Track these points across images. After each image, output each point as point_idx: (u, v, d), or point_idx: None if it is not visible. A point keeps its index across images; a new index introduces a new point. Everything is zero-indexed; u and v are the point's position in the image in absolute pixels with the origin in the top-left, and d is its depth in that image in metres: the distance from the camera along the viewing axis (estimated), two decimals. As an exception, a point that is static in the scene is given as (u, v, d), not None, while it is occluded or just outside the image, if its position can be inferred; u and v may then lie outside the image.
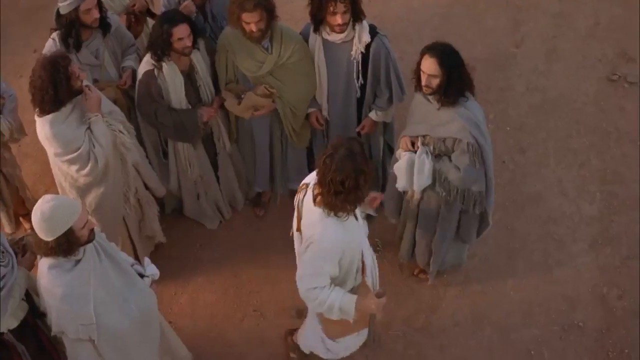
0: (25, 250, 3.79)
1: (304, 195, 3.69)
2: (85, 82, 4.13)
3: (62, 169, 4.29)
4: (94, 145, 4.16)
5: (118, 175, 4.43)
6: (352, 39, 4.49)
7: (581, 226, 5.44)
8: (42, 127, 4.08)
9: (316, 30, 4.52)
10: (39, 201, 3.33)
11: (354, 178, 3.34)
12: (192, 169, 4.94)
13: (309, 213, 3.59)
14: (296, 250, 3.96)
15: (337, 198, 3.38)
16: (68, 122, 4.08)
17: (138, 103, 4.61)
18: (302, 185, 3.76)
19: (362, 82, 4.65)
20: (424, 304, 5.06)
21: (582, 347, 4.87)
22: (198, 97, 4.70)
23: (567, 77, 6.38)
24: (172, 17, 4.38)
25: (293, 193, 5.48)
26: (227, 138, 4.93)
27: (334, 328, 3.98)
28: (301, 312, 5.02)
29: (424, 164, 4.23)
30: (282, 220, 5.55)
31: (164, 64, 4.44)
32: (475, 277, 5.18)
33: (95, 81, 4.68)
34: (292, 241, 5.32)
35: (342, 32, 4.43)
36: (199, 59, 4.60)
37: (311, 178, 3.70)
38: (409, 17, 6.99)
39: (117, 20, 4.82)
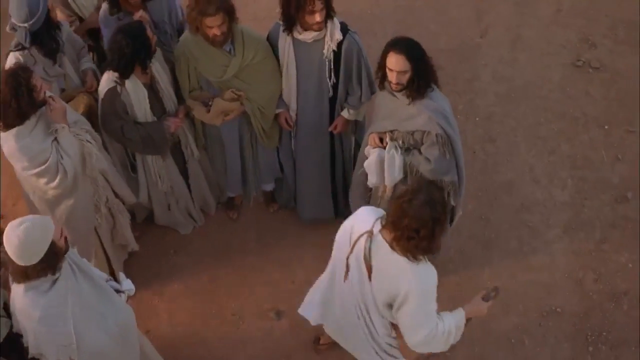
0: (1, 265, 3.66)
1: (370, 244, 3.48)
2: (48, 93, 4.04)
3: (31, 183, 4.19)
4: (61, 157, 4.06)
5: (87, 185, 4.35)
6: (324, 37, 4.44)
7: (554, 212, 5.48)
8: (7, 141, 3.98)
9: (289, 30, 4.44)
10: (7, 230, 3.18)
11: (431, 228, 3.23)
12: (163, 181, 4.86)
13: (388, 264, 3.42)
14: (359, 301, 3.70)
15: (410, 243, 3.28)
16: (33, 134, 3.99)
17: (103, 121, 4.50)
18: (364, 233, 3.51)
19: (335, 80, 4.61)
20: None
21: (561, 332, 4.90)
22: (162, 108, 4.62)
23: (532, 64, 6.41)
24: (135, 31, 4.29)
25: (266, 194, 5.51)
26: (194, 146, 4.85)
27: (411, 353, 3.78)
28: (280, 314, 5.00)
29: (394, 159, 4.20)
30: (255, 223, 5.55)
31: (127, 80, 4.36)
32: (452, 269, 5.18)
33: (62, 90, 4.59)
34: (267, 242, 5.37)
35: (319, 29, 4.38)
36: (158, 69, 4.51)
37: (368, 223, 3.51)
38: (372, 11, 6.96)
39: (66, 25, 4.74)
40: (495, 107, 6.08)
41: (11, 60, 4.37)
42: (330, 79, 4.60)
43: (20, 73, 3.83)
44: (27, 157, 4.01)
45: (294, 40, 4.49)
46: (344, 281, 3.68)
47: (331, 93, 4.69)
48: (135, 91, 4.40)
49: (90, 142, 4.19)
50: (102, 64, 5.07)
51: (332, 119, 4.82)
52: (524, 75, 6.33)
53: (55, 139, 4.06)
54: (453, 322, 3.55)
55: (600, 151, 5.81)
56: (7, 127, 3.93)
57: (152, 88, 4.52)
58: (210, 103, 4.59)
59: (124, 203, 4.82)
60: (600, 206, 5.51)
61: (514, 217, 5.46)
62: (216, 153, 5.05)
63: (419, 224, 3.21)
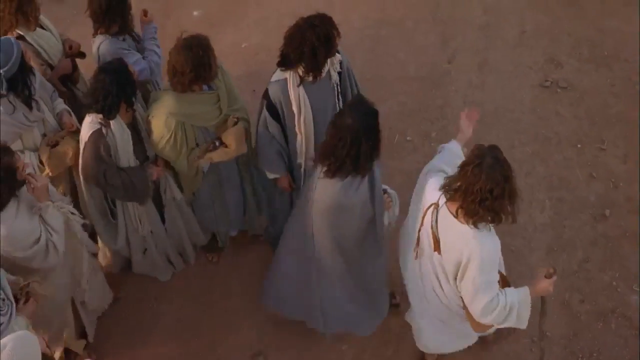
0: (29, 297, 3.63)
1: (436, 216, 3.65)
2: (27, 170, 3.85)
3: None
4: (50, 234, 3.90)
5: (69, 256, 4.24)
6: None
7: (535, 235, 5.48)
8: None
9: (302, 79, 4.32)
10: None
11: (503, 186, 3.39)
12: (143, 226, 4.75)
13: (453, 233, 3.58)
14: (431, 271, 3.89)
15: (482, 206, 3.40)
16: (20, 216, 3.79)
17: (84, 166, 4.35)
18: (430, 205, 3.71)
19: (342, 101, 4.55)
20: (392, 334, 4.99)
21: (552, 355, 4.88)
22: (143, 150, 4.51)
23: (501, 87, 6.46)
24: (118, 67, 4.19)
25: (255, 237, 5.41)
26: (176, 189, 4.74)
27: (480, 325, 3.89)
28: (267, 357, 4.89)
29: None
30: (237, 266, 5.43)
31: (111, 121, 4.24)
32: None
33: (44, 135, 4.48)
34: (250, 284, 5.26)
35: None
36: (139, 109, 4.45)
37: (434, 197, 3.69)
38: (340, 42, 6.92)
39: (35, 69, 4.60)
40: (469, 134, 6.09)
41: None
42: (339, 102, 4.53)
43: (2, 155, 3.62)
44: (18, 240, 3.80)
45: (305, 86, 4.35)
46: (414, 257, 3.92)
47: None
48: (120, 132, 4.29)
49: (74, 214, 4.07)
50: (79, 106, 4.99)
51: None
52: (494, 99, 6.36)
53: (40, 216, 3.90)
54: (516, 298, 3.65)
55: (575, 170, 5.85)
56: None
57: (134, 128, 4.42)
58: (217, 144, 4.48)
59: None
60: (580, 226, 5.54)
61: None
62: (217, 192, 4.88)
63: (492, 184, 3.36)
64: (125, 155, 4.37)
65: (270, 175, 4.70)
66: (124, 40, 4.80)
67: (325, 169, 3.75)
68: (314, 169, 3.97)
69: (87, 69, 5.21)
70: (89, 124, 4.25)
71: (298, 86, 4.35)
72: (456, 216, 3.54)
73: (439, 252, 3.72)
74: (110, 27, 4.73)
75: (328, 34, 4.19)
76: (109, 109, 4.15)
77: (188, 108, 4.35)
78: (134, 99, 4.29)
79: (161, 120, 4.33)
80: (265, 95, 4.44)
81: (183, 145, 4.43)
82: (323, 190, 3.83)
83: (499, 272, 3.77)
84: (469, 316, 3.80)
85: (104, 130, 4.24)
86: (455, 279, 3.71)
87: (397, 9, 7.25)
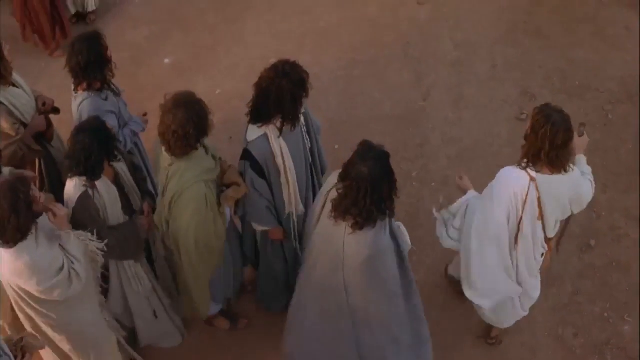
0: (25, 352, 3.51)
1: (538, 187, 4.06)
2: (43, 197, 3.75)
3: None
4: (72, 262, 3.76)
5: (92, 285, 4.11)
6: None
7: (524, 270, 5.44)
8: (17, 259, 3.61)
9: (281, 131, 4.25)
10: None
11: (572, 131, 4.00)
12: (143, 283, 4.53)
13: (555, 188, 4.08)
14: (528, 242, 4.27)
15: (563, 152, 3.98)
16: (40, 244, 3.65)
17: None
18: (528, 185, 4.07)
19: (309, 142, 4.53)
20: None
21: (551, 393, 4.84)
22: (129, 205, 4.36)
23: (478, 122, 6.48)
24: (95, 125, 4.05)
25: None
26: (160, 241, 4.54)
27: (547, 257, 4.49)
28: None
29: None
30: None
31: (97, 181, 4.09)
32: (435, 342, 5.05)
33: None
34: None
35: None
36: (120, 163, 4.31)
37: (522, 178, 4.09)
38: (313, 84, 6.84)
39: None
40: (449, 170, 6.06)
41: None
42: (308, 142, 4.50)
43: (19, 186, 3.51)
44: (42, 269, 3.67)
45: (283, 136, 4.27)
46: (515, 246, 4.29)
47: (310, 159, 4.59)
48: (107, 191, 4.12)
49: (92, 240, 3.92)
50: (54, 164, 4.96)
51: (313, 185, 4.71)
52: (472, 134, 6.37)
53: (60, 245, 3.77)
54: (586, 167, 4.41)
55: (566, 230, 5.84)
56: (9, 243, 3.57)
57: (118, 185, 4.27)
58: (223, 188, 4.33)
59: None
60: (567, 258, 5.51)
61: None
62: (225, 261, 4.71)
63: (568, 135, 3.94)
64: (115, 213, 4.22)
65: (259, 228, 4.60)
66: (106, 98, 4.68)
67: (351, 223, 3.62)
68: (334, 226, 3.76)
69: (59, 124, 5.13)
70: (74, 189, 4.07)
71: (278, 138, 4.28)
72: (556, 172, 4.03)
73: (542, 219, 4.18)
74: (91, 83, 4.62)
75: (302, 78, 4.16)
76: (93, 169, 4.00)
77: (203, 165, 4.17)
78: (115, 153, 4.17)
79: (194, 190, 4.10)
80: (247, 156, 4.30)
81: (215, 209, 4.24)
82: (356, 245, 3.70)
83: None
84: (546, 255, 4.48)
85: (90, 192, 4.08)
86: (564, 214, 4.31)
87: (368, 48, 7.27)
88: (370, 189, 3.51)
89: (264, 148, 4.27)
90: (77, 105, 4.69)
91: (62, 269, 3.74)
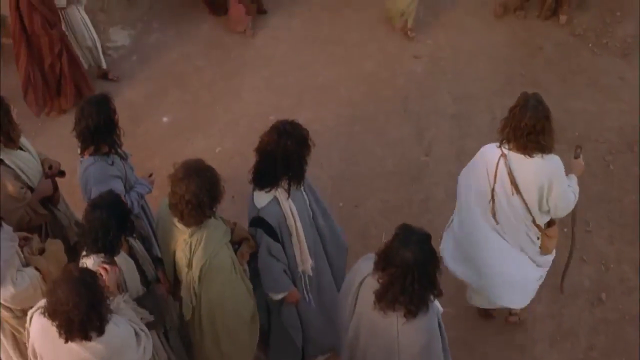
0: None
1: (509, 163, 4.38)
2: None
3: None
4: (136, 324, 3.67)
5: None
6: None
7: (536, 326, 5.39)
8: (107, 346, 3.46)
9: (288, 197, 4.23)
10: None
11: (544, 122, 4.22)
12: (159, 353, 4.31)
13: (527, 168, 4.34)
14: (508, 214, 4.55)
15: (529, 138, 4.23)
16: (118, 322, 3.52)
17: None
18: (498, 159, 4.42)
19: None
20: None
21: None
22: (144, 275, 4.24)
23: (481, 176, 6.45)
24: (111, 200, 3.95)
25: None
26: (174, 312, 4.45)
27: (551, 243, 4.74)
28: None
29: None
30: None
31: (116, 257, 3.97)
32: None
33: None
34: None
35: None
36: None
37: (495, 153, 4.44)
38: (314, 140, 6.88)
39: None
40: (456, 225, 6.03)
41: None
42: (307, 195, 4.48)
43: (89, 279, 3.35)
44: (130, 345, 3.58)
45: (290, 195, 4.26)
46: (490, 214, 4.57)
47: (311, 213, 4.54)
48: (126, 266, 4.01)
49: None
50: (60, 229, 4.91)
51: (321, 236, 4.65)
52: (475, 188, 6.34)
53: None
54: (574, 184, 4.61)
55: (565, 254, 5.75)
56: (87, 333, 3.37)
57: (133, 257, 4.15)
58: (236, 246, 4.28)
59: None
60: (578, 312, 5.47)
61: (496, 339, 5.33)
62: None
63: (534, 120, 4.20)
64: (134, 285, 4.10)
65: (279, 296, 4.49)
66: (112, 163, 4.61)
67: (404, 312, 3.49)
68: (382, 317, 3.59)
69: (60, 185, 5.04)
70: (92, 267, 3.87)
71: (288, 199, 4.25)
72: (525, 154, 4.31)
73: (519, 192, 4.42)
74: (99, 147, 4.57)
75: (304, 136, 4.16)
76: (112, 245, 3.87)
77: (219, 229, 4.11)
78: (132, 227, 4.08)
79: (220, 257, 4.04)
80: (260, 223, 4.24)
81: (240, 269, 4.20)
82: (414, 333, 3.56)
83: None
84: (544, 240, 4.68)
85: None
86: (539, 205, 4.48)
87: (367, 103, 7.30)
88: (417, 274, 3.39)
89: (276, 212, 4.23)
90: (83, 169, 4.63)
91: (138, 336, 3.64)
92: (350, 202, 6.30)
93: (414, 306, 3.46)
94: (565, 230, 5.30)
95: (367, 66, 7.79)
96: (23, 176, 4.67)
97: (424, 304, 3.49)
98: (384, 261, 3.48)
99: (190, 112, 7.35)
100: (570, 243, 5.20)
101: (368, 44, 8.05)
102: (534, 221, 4.58)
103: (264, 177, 4.18)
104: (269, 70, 7.79)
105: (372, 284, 3.55)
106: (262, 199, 4.23)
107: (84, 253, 3.93)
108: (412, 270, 3.38)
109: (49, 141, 6.61)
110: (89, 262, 3.88)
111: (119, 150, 4.71)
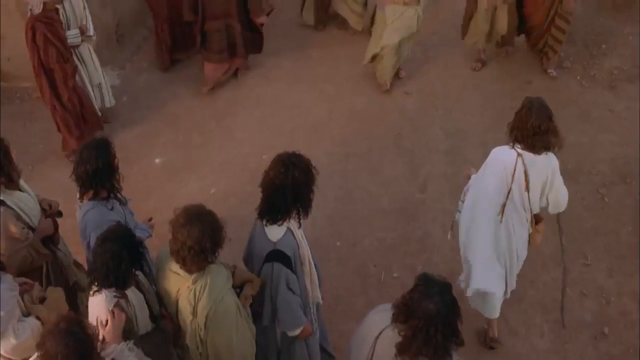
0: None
1: (525, 162, 4.70)
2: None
3: None
4: None
5: None
6: None
7: (540, 363, 5.35)
8: None
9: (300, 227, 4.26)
10: None
11: (548, 123, 4.61)
12: None
13: (537, 165, 4.71)
14: (518, 210, 4.89)
15: (535, 138, 4.60)
16: None
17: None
18: (516, 159, 4.72)
19: None
20: None
21: None
22: (150, 310, 4.16)
23: (478, 211, 6.44)
24: (123, 232, 3.91)
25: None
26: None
27: (539, 237, 5.20)
28: None
29: None
30: None
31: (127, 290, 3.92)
32: None
33: None
34: None
35: None
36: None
37: (511, 154, 4.74)
38: (308, 179, 6.90)
39: None
40: (454, 263, 5.96)
41: None
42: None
43: (76, 330, 3.24)
44: None
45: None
46: (501, 220, 4.90)
47: None
48: (136, 299, 3.94)
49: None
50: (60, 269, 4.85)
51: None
52: (473, 224, 6.32)
53: None
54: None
55: (565, 290, 5.79)
56: None
57: (140, 290, 4.08)
58: (237, 290, 4.22)
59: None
60: (582, 347, 5.43)
61: (502, 376, 5.28)
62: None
63: (539, 121, 4.59)
64: (144, 320, 4.03)
65: (296, 332, 4.42)
66: (112, 208, 4.56)
67: None
68: None
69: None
70: (105, 302, 3.81)
71: (299, 229, 4.27)
72: (534, 152, 4.67)
73: (527, 189, 4.78)
74: (98, 192, 4.51)
75: (308, 166, 4.17)
76: (123, 278, 3.82)
77: (222, 274, 4.05)
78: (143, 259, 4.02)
79: (225, 302, 3.97)
80: (279, 257, 4.18)
81: (244, 313, 4.14)
82: None
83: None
84: (534, 234, 5.11)
85: (123, 303, 3.88)
86: (541, 198, 4.88)
87: (360, 140, 7.30)
88: (441, 325, 3.33)
89: (292, 242, 4.22)
90: (82, 214, 4.58)
91: None
92: (348, 242, 6.26)
93: (438, 357, 3.40)
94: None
95: (358, 103, 7.82)
96: (24, 216, 4.63)
97: (448, 354, 3.42)
98: (405, 313, 3.40)
99: (183, 153, 7.32)
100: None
101: (358, 81, 8.11)
102: (528, 218, 4.99)
103: (275, 211, 4.16)
104: (261, 109, 7.80)
105: (391, 337, 3.47)
106: (276, 232, 4.20)
107: (94, 289, 3.85)
108: (436, 321, 3.31)
109: (38, 184, 6.53)
110: (101, 297, 3.81)
111: (118, 195, 4.66)
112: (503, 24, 7.79)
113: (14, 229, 4.48)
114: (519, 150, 4.74)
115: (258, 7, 7.74)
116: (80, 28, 6.88)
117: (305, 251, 4.33)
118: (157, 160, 7.28)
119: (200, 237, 3.78)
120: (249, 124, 7.62)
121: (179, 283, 3.97)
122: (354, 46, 8.48)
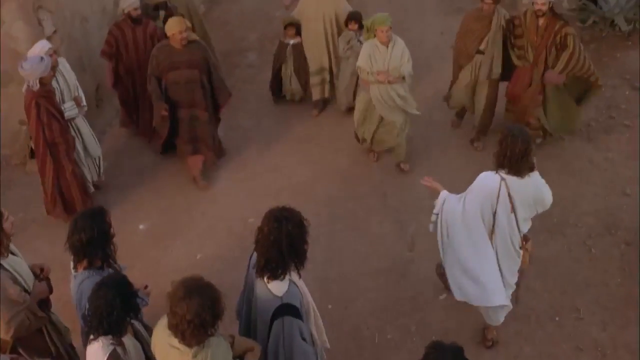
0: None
1: (507, 185, 5.02)
2: None
3: None
4: None
5: None
6: None
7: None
8: None
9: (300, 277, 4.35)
10: None
11: (529, 145, 4.93)
12: None
13: (523, 188, 5.04)
14: (505, 232, 5.19)
15: (522, 161, 4.92)
16: None
17: None
18: (500, 183, 5.02)
19: None
20: None
21: None
22: (148, 358, 4.12)
23: (468, 268, 6.41)
24: (118, 279, 3.88)
25: None
26: None
27: (527, 255, 5.42)
28: None
29: None
30: None
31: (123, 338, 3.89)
32: None
33: None
34: None
35: None
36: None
37: (495, 179, 5.06)
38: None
39: None
40: (448, 322, 5.94)
41: None
42: None
43: None
44: None
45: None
46: (492, 237, 5.21)
47: None
48: (133, 346, 3.91)
49: None
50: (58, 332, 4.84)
51: None
52: (464, 281, 6.28)
53: None
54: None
55: (561, 345, 5.77)
56: None
57: (137, 339, 4.07)
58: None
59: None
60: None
61: None
62: None
63: (525, 145, 4.90)
64: None
65: None
66: None
67: None
68: None
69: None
70: (101, 349, 3.81)
71: (300, 279, 4.34)
72: (521, 175, 4.99)
73: (513, 211, 5.09)
74: (92, 261, 4.46)
75: (300, 218, 4.22)
76: (117, 325, 3.82)
77: (222, 345, 3.97)
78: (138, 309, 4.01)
79: None
80: (286, 310, 4.20)
81: None
82: None
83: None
84: (524, 253, 5.38)
85: (119, 350, 3.85)
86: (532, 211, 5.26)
87: (345, 201, 7.29)
88: None
89: (297, 293, 4.31)
90: (77, 284, 4.53)
91: None
92: (339, 304, 6.18)
93: None
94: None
95: (340, 162, 7.85)
96: (20, 280, 4.61)
97: None
98: None
99: (167, 218, 7.24)
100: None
101: (340, 140, 8.14)
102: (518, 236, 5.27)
103: (274, 266, 4.18)
104: (244, 172, 7.78)
105: None
106: (280, 286, 4.23)
107: (91, 337, 3.87)
108: None
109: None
110: (97, 344, 3.83)
111: (113, 264, 4.60)
112: (481, 103, 7.70)
113: (12, 291, 4.46)
114: (503, 175, 5.03)
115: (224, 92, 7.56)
116: (75, 99, 6.88)
117: (309, 299, 4.42)
118: (140, 227, 7.19)
119: (200, 310, 3.71)
120: (232, 188, 7.59)
121: (179, 358, 3.87)
122: (334, 105, 8.56)
